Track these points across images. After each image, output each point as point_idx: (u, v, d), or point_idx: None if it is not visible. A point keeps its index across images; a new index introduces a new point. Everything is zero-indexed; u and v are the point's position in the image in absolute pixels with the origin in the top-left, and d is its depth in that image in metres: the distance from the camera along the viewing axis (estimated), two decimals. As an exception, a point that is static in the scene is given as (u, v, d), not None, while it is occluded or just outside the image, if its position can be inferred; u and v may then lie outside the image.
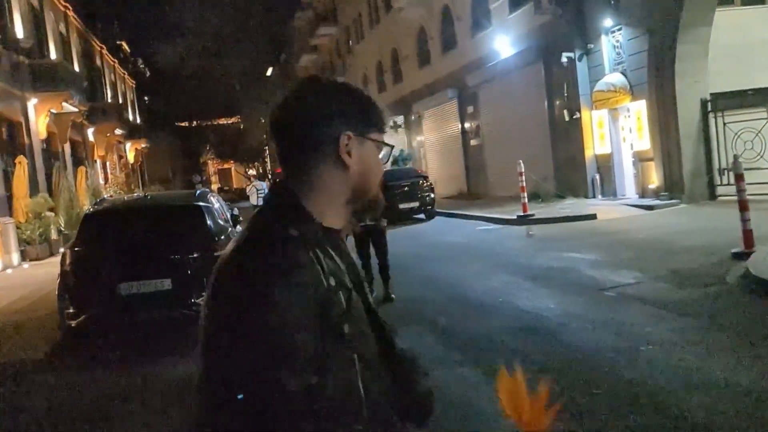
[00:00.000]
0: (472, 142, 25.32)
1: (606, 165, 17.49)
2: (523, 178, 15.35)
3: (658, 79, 14.93)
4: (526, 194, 15.32)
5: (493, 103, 23.05)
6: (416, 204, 18.65)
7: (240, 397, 1.11)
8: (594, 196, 17.71)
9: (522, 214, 15.19)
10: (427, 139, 30.49)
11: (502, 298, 7.87)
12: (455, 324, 6.96)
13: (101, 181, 31.76)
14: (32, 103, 21.65)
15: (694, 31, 14.32)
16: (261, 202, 1.53)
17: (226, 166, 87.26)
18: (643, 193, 16.07)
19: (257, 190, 24.08)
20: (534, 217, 15.00)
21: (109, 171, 35.45)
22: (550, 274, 8.93)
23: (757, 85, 14.75)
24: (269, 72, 63.84)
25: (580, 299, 7.35)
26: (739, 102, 14.57)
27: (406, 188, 18.71)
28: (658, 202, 14.82)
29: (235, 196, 48.76)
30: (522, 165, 15.39)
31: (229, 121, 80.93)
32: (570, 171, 18.47)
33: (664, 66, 14.72)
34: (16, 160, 19.38)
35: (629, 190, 17.10)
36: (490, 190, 23.96)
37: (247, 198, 25.49)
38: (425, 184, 19.10)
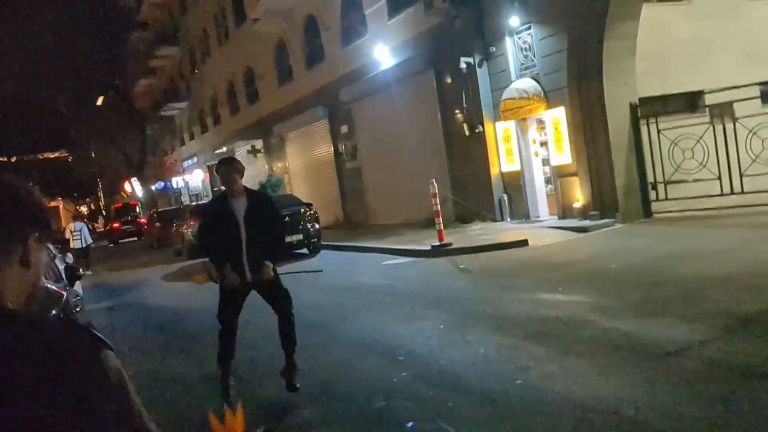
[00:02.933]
0: (348, 165, 22.61)
1: (515, 183, 15.39)
2: (437, 200, 12.78)
3: (580, 82, 13.02)
4: (441, 219, 12.74)
5: (373, 120, 20.54)
6: (299, 237, 15.56)
7: None
8: (502, 219, 15.55)
9: (437, 243, 12.59)
10: (292, 163, 27.40)
11: (521, 379, 5.06)
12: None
13: None
14: None
15: (621, 25, 12.55)
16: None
17: (53, 203, 78.89)
18: (563, 213, 14.07)
19: (72, 232, 20.20)
20: (453, 247, 12.45)
21: None
22: (555, 329, 6.26)
23: (681, 89, 13.30)
24: (100, 101, 57.58)
25: (651, 374, 4.72)
26: (668, 107, 13.00)
27: (286, 219, 15.53)
28: (589, 222, 12.81)
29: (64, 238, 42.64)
30: (435, 184, 12.82)
31: (55, 155, 72.96)
32: (472, 192, 16.22)
33: (588, 66, 12.84)
34: None
35: (543, 211, 15.10)
36: (371, 218, 21.36)
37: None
38: (309, 213, 16.07)
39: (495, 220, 15.55)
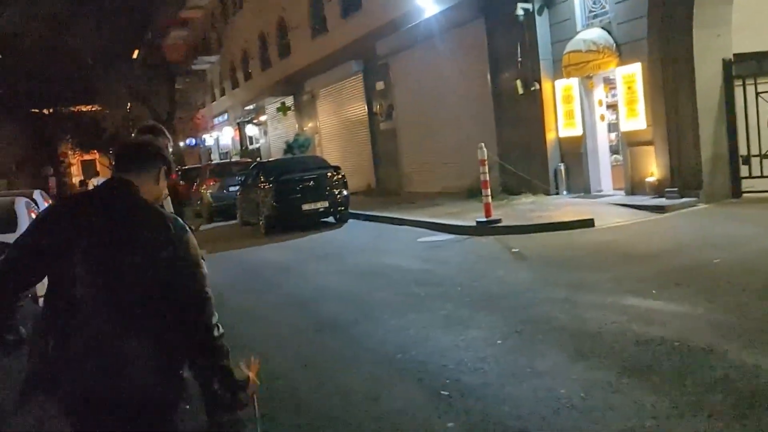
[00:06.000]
0: (383, 126, 20.64)
1: (574, 151, 13.33)
2: (486, 168, 10.83)
3: (664, 33, 10.85)
4: (489, 191, 10.80)
5: (411, 76, 18.50)
6: (325, 204, 13.76)
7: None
8: (557, 192, 13.55)
9: (483, 219, 10.69)
10: (323, 122, 25.51)
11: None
12: None
13: None
14: None
15: (717, -36, 10.34)
16: None
17: (89, 157, 78.28)
18: (632, 188, 12.03)
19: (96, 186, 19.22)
20: (502, 224, 10.54)
21: None
22: (666, 360, 4.34)
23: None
24: (135, 54, 55.89)
25: None
26: (766, 66, 10.78)
27: (311, 183, 13.77)
28: (665, 201, 10.78)
29: (89, 192, 41.56)
30: (485, 149, 10.87)
31: (90, 108, 72.20)
32: (523, 160, 14.17)
33: (675, 14, 10.66)
34: None
35: (606, 184, 13.07)
36: (406, 185, 19.47)
37: None
38: (336, 177, 14.22)
39: (548, 193, 13.54)
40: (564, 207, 11.92)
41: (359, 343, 5.64)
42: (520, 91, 13.84)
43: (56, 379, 2.13)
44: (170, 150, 4.06)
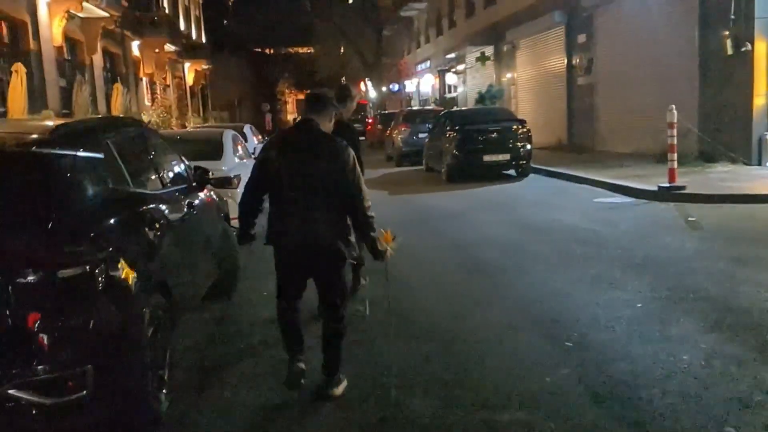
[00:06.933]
0: (580, 81, 20.04)
1: (785, 120, 12.23)
2: (675, 131, 10.36)
3: None
4: (675, 156, 10.34)
5: (616, 30, 17.71)
6: (507, 157, 13.90)
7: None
8: (759, 163, 12.55)
9: (667, 184, 10.30)
10: (520, 74, 25.21)
11: (735, 427, 3.28)
12: None
13: (148, 102, 28.15)
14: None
15: None
16: None
17: (303, 96, 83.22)
18: None
19: None
20: (685, 191, 10.10)
21: (159, 92, 31.67)
22: (807, 344, 4.23)
23: None
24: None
25: None
26: None
27: (494, 135, 13.96)
28: None
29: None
30: (675, 112, 10.38)
31: (306, 50, 76.58)
32: (725, 125, 13.24)
33: None
34: (13, 68, 15.51)
35: (817, 159, 11.91)
36: (598, 144, 18.88)
37: None
38: (521, 131, 14.25)
39: (749, 163, 12.60)
40: (760, 179, 11.08)
41: (502, 289, 5.94)
42: (729, 51, 12.85)
43: (279, 237, 3.84)
44: (356, 100, 5.84)
